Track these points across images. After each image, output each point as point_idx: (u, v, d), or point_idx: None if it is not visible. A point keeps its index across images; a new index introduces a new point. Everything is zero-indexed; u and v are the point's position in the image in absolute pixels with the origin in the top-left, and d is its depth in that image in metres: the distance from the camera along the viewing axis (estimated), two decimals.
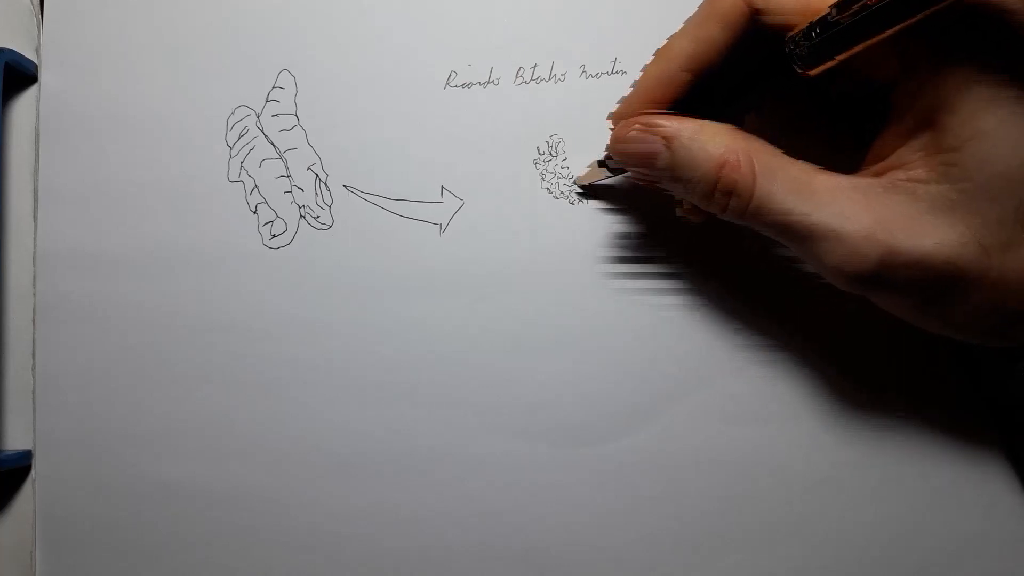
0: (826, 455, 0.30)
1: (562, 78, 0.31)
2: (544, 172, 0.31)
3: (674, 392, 0.30)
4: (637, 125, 0.25)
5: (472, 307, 0.30)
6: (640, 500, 0.30)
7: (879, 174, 0.24)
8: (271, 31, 0.31)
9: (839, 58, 0.22)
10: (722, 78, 0.26)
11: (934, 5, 0.20)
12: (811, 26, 0.22)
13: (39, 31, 0.32)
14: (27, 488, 0.31)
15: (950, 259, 0.22)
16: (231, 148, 0.31)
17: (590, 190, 0.30)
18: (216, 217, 0.31)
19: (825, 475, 0.29)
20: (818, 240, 0.23)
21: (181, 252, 0.31)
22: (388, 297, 0.30)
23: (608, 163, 0.28)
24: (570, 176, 0.31)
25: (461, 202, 0.31)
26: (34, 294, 0.31)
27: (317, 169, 0.31)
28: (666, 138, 0.25)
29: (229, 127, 0.31)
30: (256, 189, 0.31)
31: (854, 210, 0.23)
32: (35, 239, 0.31)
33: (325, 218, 0.31)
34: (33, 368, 0.31)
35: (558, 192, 0.30)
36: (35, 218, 0.31)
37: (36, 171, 0.31)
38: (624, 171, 0.28)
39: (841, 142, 0.26)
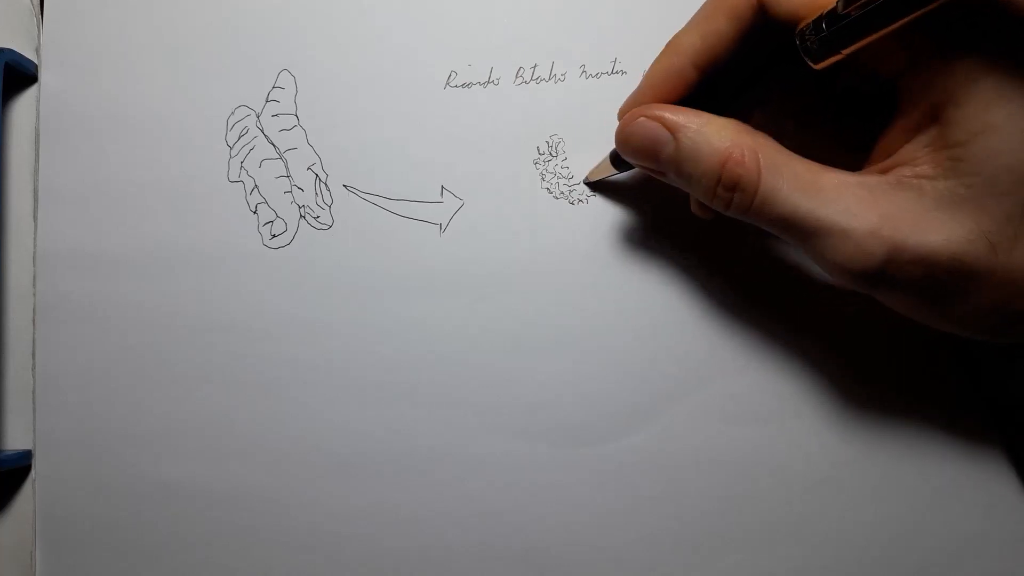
0: (826, 455, 0.30)
1: (562, 78, 0.31)
2: (544, 172, 0.31)
3: (674, 392, 0.30)
4: (644, 115, 0.25)
5: (472, 307, 0.30)
6: (640, 500, 0.30)
7: (885, 171, 0.24)
8: (271, 31, 0.31)
9: (847, 51, 0.22)
10: (729, 74, 0.26)
11: None
12: (820, 19, 0.22)
13: (39, 31, 0.32)
14: (27, 488, 0.31)
15: (957, 255, 0.22)
16: (231, 148, 0.31)
17: (600, 187, 0.30)
18: (216, 217, 0.31)
19: (825, 475, 0.29)
20: (824, 237, 0.23)
21: (181, 252, 0.31)
22: (388, 297, 0.30)
23: (617, 158, 0.28)
24: (570, 176, 0.31)
25: (461, 202, 0.31)
26: (34, 294, 0.31)
27: (317, 169, 0.31)
28: (672, 129, 0.25)
29: (229, 127, 0.31)
30: (256, 189, 0.31)
31: (860, 207, 0.23)
32: (35, 239, 0.31)
33: (325, 218, 0.31)
34: (33, 368, 0.31)
35: (558, 192, 0.30)
36: (35, 218, 0.31)
37: (36, 171, 0.31)
38: (632, 167, 0.28)
39: (847, 138, 0.26)
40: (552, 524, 0.30)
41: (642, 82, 0.27)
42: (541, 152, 0.31)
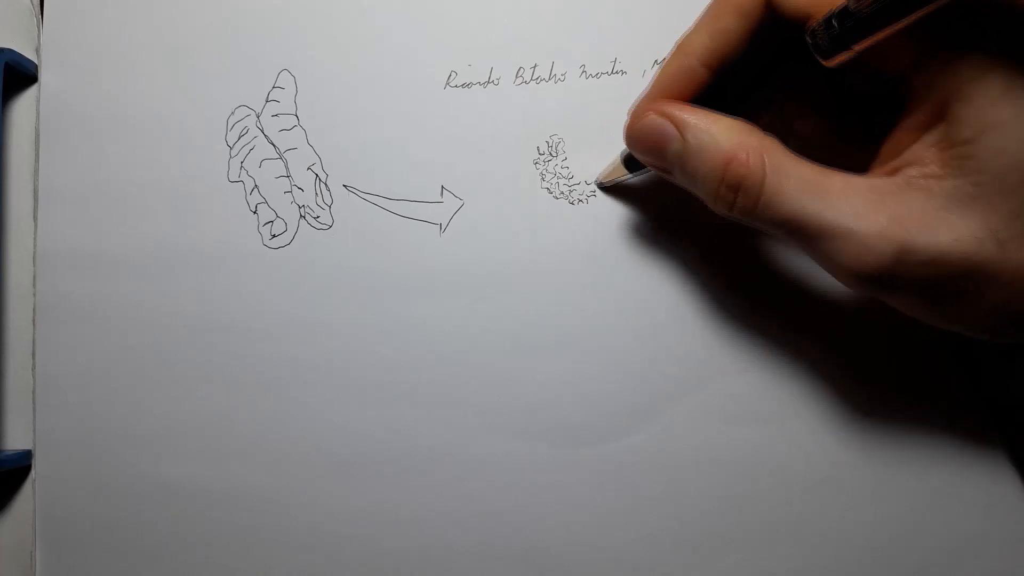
0: (826, 455, 0.30)
1: (562, 78, 0.31)
2: (544, 172, 0.31)
3: (674, 392, 0.30)
4: (653, 111, 0.25)
5: (472, 307, 0.30)
6: (640, 500, 0.30)
7: (892, 172, 0.24)
8: (271, 31, 0.31)
9: (858, 47, 0.22)
10: (738, 74, 0.26)
11: None
12: (830, 16, 0.22)
13: (39, 31, 0.32)
14: (27, 488, 0.31)
15: (966, 255, 0.22)
16: (231, 148, 0.31)
17: (609, 190, 0.30)
18: (216, 217, 0.31)
19: (825, 475, 0.29)
20: (831, 239, 0.23)
21: (181, 252, 0.31)
22: (388, 297, 0.30)
23: (628, 160, 0.28)
24: (570, 176, 0.31)
25: (461, 202, 0.31)
26: (34, 294, 0.31)
27: (317, 169, 0.31)
28: (680, 127, 0.25)
29: (229, 127, 0.31)
30: (256, 189, 0.31)
31: (868, 208, 0.23)
32: (35, 239, 0.31)
33: (325, 218, 0.31)
34: (33, 368, 0.31)
35: (558, 192, 0.30)
36: (35, 218, 0.31)
37: (36, 171, 0.31)
38: (643, 169, 0.28)
39: (854, 138, 0.26)
40: (552, 524, 0.30)
41: (652, 82, 0.27)
42: (541, 152, 0.31)
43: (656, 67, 0.30)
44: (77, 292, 0.31)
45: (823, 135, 0.27)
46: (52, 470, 0.31)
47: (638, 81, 0.30)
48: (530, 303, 0.30)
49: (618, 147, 0.28)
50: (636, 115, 0.26)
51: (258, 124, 0.31)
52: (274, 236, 0.31)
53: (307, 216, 0.31)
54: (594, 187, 0.30)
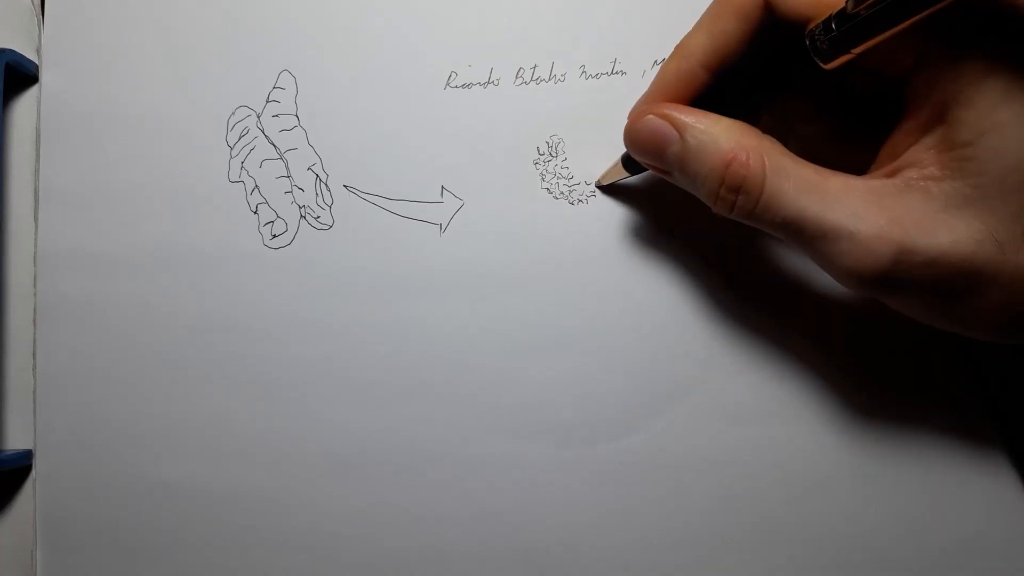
0: (826, 455, 0.30)
1: (562, 78, 0.31)
2: (544, 172, 0.31)
3: (674, 392, 0.30)
4: (652, 113, 0.25)
5: (472, 307, 0.30)
6: (640, 500, 0.30)
7: (892, 173, 0.24)
8: (271, 31, 0.31)
9: (857, 50, 0.22)
10: (737, 76, 0.26)
11: None
12: (830, 19, 0.22)
13: (39, 31, 0.32)
14: (27, 488, 0.31)
15: (965, 256, 0.22)
16: (231, 148, 0.31)
17: (609, 190, 0.30)
18: (216, 217, 0.31)
19: (825, 475, 0.29)
20: (831, 240, 0.23)
21: (181, 252, 0.31)
22: (388, 297, 0.30)
23: (628, 161, 0.28)
24: (570, 176, 0.31)
25: (461, 202, 0.31)
26: (34, 294, 0.31)
27: (317, 169, 0.31)
28: (679, 128, 0.25)
29: (229, 127, 0.31)
30: (256, 189, 0.31)
31: (867, 210, 0.23)
32: (35, 239, 0.31)
33: (325, 218, 0.31)
34: (33, 368, 0.31)
35: (558, 192, 0.30)
36: (35, 218, 0.31)
37: (36, 171, 0.32)
38: (643, 169, 0.28)
39: (854, 140, 0.26)
40: (552, 524, 0.30)
41: (652, 84, 0.27)
42: (541, 152, 0.31)
43: (656, 67, 0.30)
44: (77, 292, 0.31)
45: (823, 136, 0.27)
46: (52, 470, 0.31)
47: (638, 81, 0.30)
48: (530, 303, 0.30)
49: (618, 147, 0.28)
50: (635, 117, 0.26)
51: (258, 124, 0.31)
52: (274, 236, 0.31)
53: (307, 216, 0.31)
54: (594, 187, 0.30)
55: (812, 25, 0.23)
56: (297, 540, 0.30)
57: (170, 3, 0.32)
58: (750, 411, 0.30)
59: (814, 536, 0.29)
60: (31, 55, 0.32)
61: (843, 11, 0.22)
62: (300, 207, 0.31)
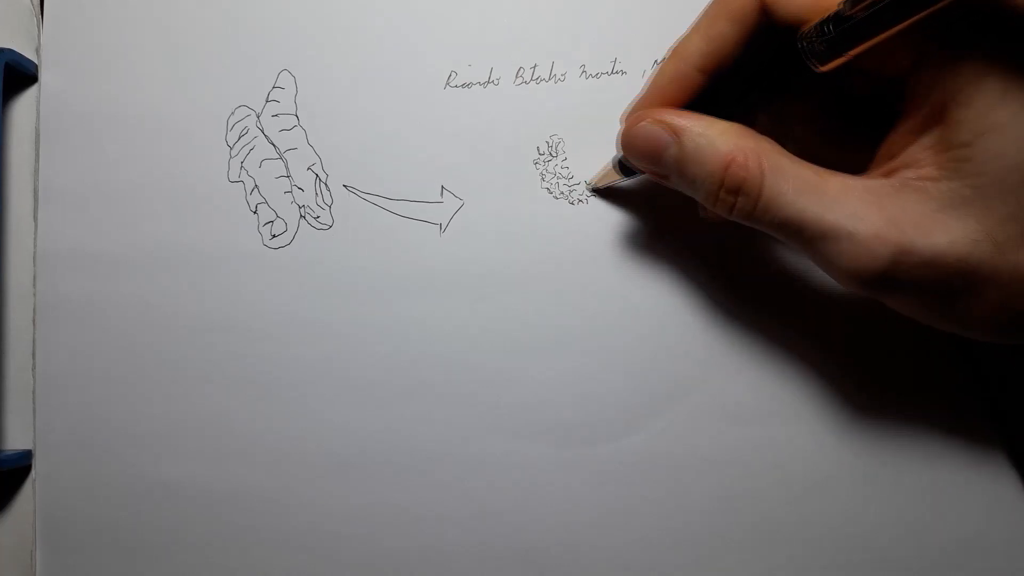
0: (826, 455, 0.30)
1: (562, 78, 0.31)
2: (544, 172, 0.31)
3: (674, 392, 0.30)
4: (648, 118, 0.25)
5: (472, 307, 0.30)
6: (640, 500, 0.30)
7: (889, 174, 0.24)
8: (271, 31, 0.31)
9: (851, 53, 0.22)
10: (733, 78, 0.26)
11: None
12: (824, 21, 0.22)
13: (39, 31, 0.32)
14: (27, 488, 0.31)
15: (963, 257, 0.22)
16: (231, 148, 0.31)
17: (603, 193, 0.30)
18: (216, 217, 0.31)
19: (825, 475, 0.29)
20: (829, 241, 0.23)
21: (181, 252, 0.31)
22: (388, 297, 0.30)
23: (622, 164, 0.28)
24: (570, 176, 0.31)
25: (461, 202, 0.31)
26: (34, 294, 0.31)
27: (317, 169, 0.31)
28: (676, 132, 0.25)
29: (229, 127, 0.31)
30: (256, 189, 0.31)
31: (865, 210, 0.23)
32: (35, 239, 0.31)
33: (325, 218, 0.31)
34: (33, 368, 0.31)
35: (558, 192, 0.30)
36: (35, 218, 0.31)
37: (36, 171, 0.31)
38: (637, 173, 0.28)
39: (852, 141, 0.26)
40: (552, 524, 0.30)
41: (647, 87, 0.27)
42: (541, 152, 0.31)
43: (655, 68, 0.30)
44: (77, 292, 0.31)
45: (820, 137, 0.27)
46: (52, 470, 0.31)
47: (638, 81, 0.30)
48: (530, 303, 0.30)
49: (615, 152, 0.28)
50: (630, 123, 0.26)
51: (258, 124, 0.31)
52: (274, 236, 0.31)
53: (307, 216, 0.31)
54: (599, 193, 0.30)
55: (806, 28, 0.23)
56: (297, 540, 0.30)
57: (170, 3, 0.32)
58: (750, 411, 0.30)
59: (814, 536, 0.29)
60: (31, 55, 0.32)
61: (838, 14, 0.22)
62: (300, 207, 0.31)
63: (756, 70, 0.25)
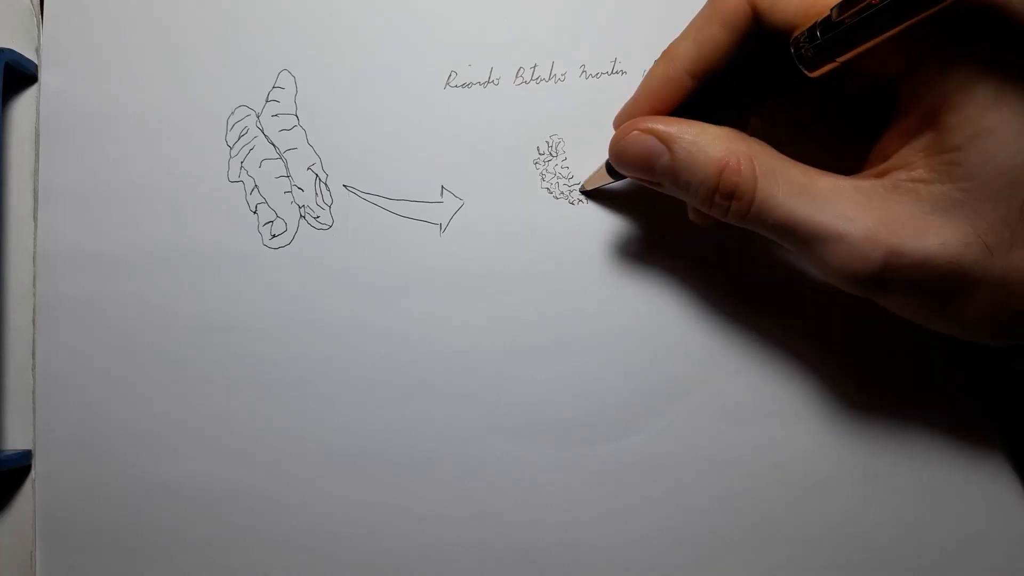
0: (826, 455, 0.30)
1: (562, 78, 0.31)
2: (544, 172, 0.31)
3: (674, 392, 0.30)
4: (637, 128, 0.25)
5: (472, 307, 0.30)
6: (640, 500, 0.30)
7: (881, 175, 0.24)
8: (271, 31, 0.31)
9: (842, 59, 0.22)
10: (725, 81, 0.26)
11: (936, 4, 0.20)
12: (814, 27, 0.22)
13: (39, 31, 0.32)
14: (27, 488, 0.31)
15: (954, 259, 0.22)
16: (231, 148, 0.31)
17: (595, 195, 0.30)
18: (216, 217, 0.31)
19: (825, 475, 0.29)
20: (821, 242, 0.23)
21: (181, 252, 0.31)
22: (388, 297, 0.30)
23: (612, 169, 0.28)
24: (570, 176, 0.31)
25: (461, 202, 0.31)
26: (34, 294, 0.31)
27: (317, 169, 0.31)
28: (666, 141, 0.25)
29: (229, 127, 0.31)
30: (256, 189, 0.31)
31: (857, 211, 0.23)
32: (35, 239, 0.31)
33: (325, 218, 0.31)
34: (33, 368, 0.31)
35: (558, 192, 0.30)
36: (35, 218, 0.31)
37: (36, 171, 0.31)
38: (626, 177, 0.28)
39: (844, 144, 0.26)
40: (552, 524, 0.30)
41: (638, 91, 0.27)
42: (541, 152, 0.31)
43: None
44: (77, 292, 0.31)
45: (812, 139, 0.27)
46: (52, 470, 0.31)
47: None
48: (530, 303, 0.30)
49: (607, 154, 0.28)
50: (620, 133, 0.26)
51: (258, 124, 0.31)
52: (274, 236, 0.31)
53: (307, 216, 0.31)
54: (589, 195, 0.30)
55: (797, 33, 0.23)
56: (297, 540, 0.30)
57: (170, 3, 0.32)
58: (750, 411, 0.30)
59: (814, 536, 0.29)
60: (30, 55, 0.32)
61: (828, 19, 0.22)
62: (300, 207, 0.31)
63: (748, 74, 0.25)
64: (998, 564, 0.29)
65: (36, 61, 0.32)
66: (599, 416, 0.30)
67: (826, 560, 0.29)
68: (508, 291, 0.30)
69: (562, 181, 0.30)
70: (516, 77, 0.31)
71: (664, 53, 0.26)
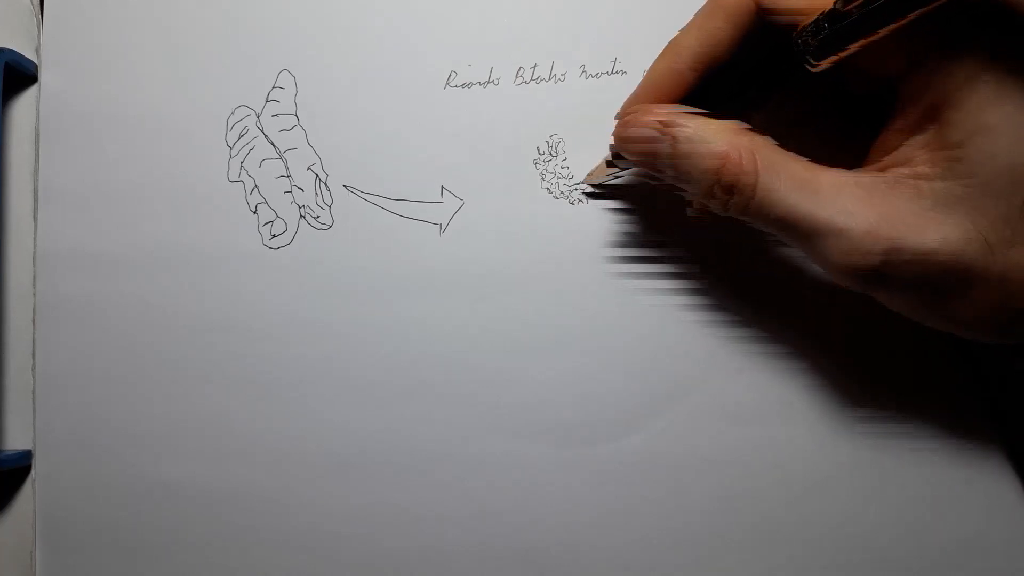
0: (826, 455, 0.30)
1: (562, 78, 0.31)
2: (544, 172, 0.31)
3: (674, 392, 0.30)
4: (642, 116, 0.25)
5: (472, 307, 0.30)
6: (640, 500, 0.30)
7: (883, 171, 0.24)
8: (271, 31, 0.31)
9: (846, 52, 0.22)
10: (728, 74, 0.26)
11: None
12: (819, 19, 0.22)
13: (39, 31, 0.32)
14: (27, 488, 0.31)
15: (954, 255, 0.22)
16: (231, 148, 0.31)
17: (598, 188, 0.30)
18: (216, 217, 0.31)
19: (825, 475, 0.29)
20: (822, 237, 0.23)
21: (181, 252, 0.31)
22: (388, 297, 0.30)
23: (616, 160, 0.28)
24: (570, 176, 0.31)
25: (461, 202, 0.31)
26: (34, 294, 0.31)
27: (317, 169, 0.31)
28: (670, 130, 0.25)
29: (229, 127, 0.31)
30: (256, 189, 0.31)
31: (858, 206, 0.23)
32: (35, 239, 0.31)
33: (325, 218, 0.31)
34: (33, 368, 0.31)
35: (558, 192, 0.30)
36: (35, 218, 0.31)
37: (36, 171, 0.31)
38: (631, 167, 0.28)
39: (846, 139, 0.26)
40: (552, 524, 0.30)
41: (642, 82, 0.27)
42: (541, 152, 0.31)
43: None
44: (77, 292, 0.31)
45: (814, 134, 0.27)
46: (52, 470, 0.31)
47: (638, 81, 0.30)
48: (530, 303, 0.30)
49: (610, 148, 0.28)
50: (624, 121, 0.26)
51: (258, 124, 0.31)
52: (274, 236, 0.31)
53: (307, 216, 0.31)
54: (593, 188, 0.30)
55: (801, 26, 0.23)
56: (297, 540, 0.30)
57: (170, 3, 0.32)
58: (750, 411, 0.30)
59: (814, 536, 0.29)
60: (31, 55, 0.32)
61: (832, 12, 0.22)
62: (300, 207, 0.31)
63: (751, 67, 0.25)
64: (998, 564, 0.29)
65: (36, 61, 0.32)
66: (599, 416, 0.30)
67: (826, 560, 0.29)
68: (508, 291, 0.30)
69: (562, 181, 0.30)
70: (516, 77, 0.31)
71: (668, 46, 0.26)
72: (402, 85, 0.31)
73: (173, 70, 0.31)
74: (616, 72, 0.31)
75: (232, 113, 0.31)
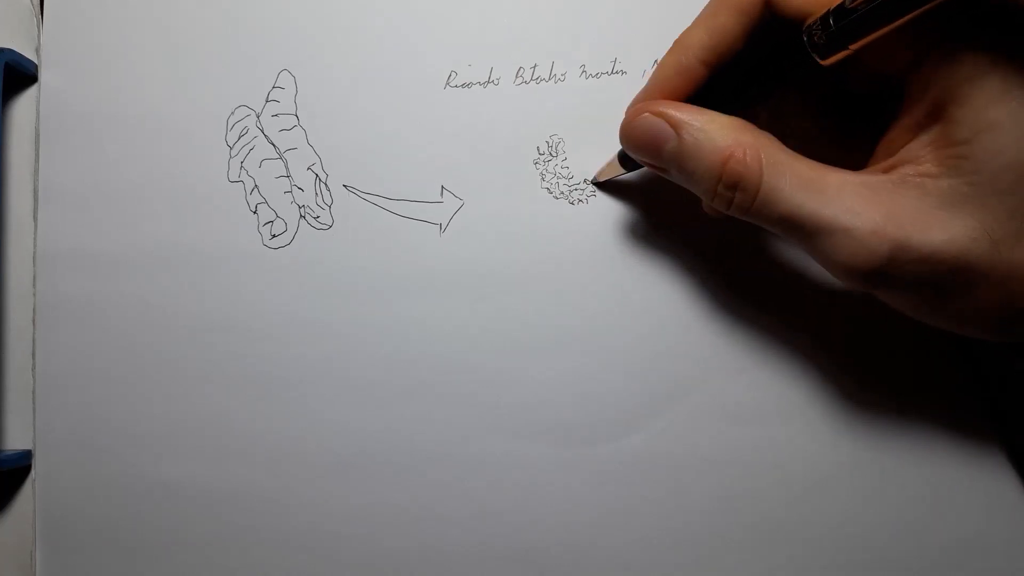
0: (826, 455, 0.30)
1: (562, 78, 0.31)
2: (544, 172, 0.31)
3: (674, 392, 0.30)
4: (648, 111, 0.25)
5: (472, 307, 0.30)
6: (640, 500, 0.30)
7: (888, 170, 0.24)
8: (271, 31, 0.31)
9: (855, 46, 0.22)
10: (735, 72, 0.26)
11: None
12: (827, 14, 0.22)
13: (39, 31, 0.32)
14: (27, 488, 0.31)
15: (960, 254, 0.22)
16: (231, 148, 0.31)
17: (607, 186, 0.30)
18: (216, 217, 0.31)
19: (825, 475, 0.29)
20: (826, 236, 0.23)
21: (181, 252, 0.31)
22: (388, 297, 0.30)
23: (624, 157, 0.28)
24: (570, 176, 0.31)
25: (461, 202, 0.31)
26: (34, 294, 0.31)
27: (317, 169, 0.31)
28: (675, 126, 0.25)
29: (229, 127, 0.31)
30: (256, 189, 0.31)
31: (863, 206, 0.23)
32: (35, 239, 0.31)
33: (325, 218, 0.31)
34: (33, 368, 0.31)
35: (558, 192, 0.30)
36: (35, 218, 0.31)
37: (36, 171, 0.31)
38: (639, 166, 0.28)
39: (852, 137, 0.26)
40: (552, 524, 0.30)
41: (650, 79, 0.27)
42: (541, 152, 0.31)
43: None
44: (77, 292, 0.31)
45: (820, 132, 0.27)
46: (52, 470, 0.31)
47: (638, 81, 0.30)
48: (530, 303, 0.30)
49: (618, 146, 0.28)
50: (631, 115, 0.26)
51: (258, 124, 0.31)
52: (274, 236, 0.31)
53: (307, 216, 0.31)
54: (594, 187, 0.30)
55: (810, 21, 0.23)
56: (297, 540, 0.30)
57: (170, 3, 0.32)
58: (750, 411, 0.30)
59: (814, 536, 0.29)
60: (31, 55, 0.32)
61: (841, 6, 0.22)
62: (300, 207, 0.31)
63: (757, 64, 0.25)
64: (998, 564, 0.29)
65: (36, 61, 0.32)
66: (599, 416, 0.30)
67: (826, 560, 0.29)
68: (508, 291, 0.30)
69: (562, 181, 0.30)
70: (516, 77, 0.31)
71: (676, 42, 0.26)
72: (402, 85, 0.31)
73: (173, 70, 0.31)
74: (616, 72, 0.31)
75: (232, 113, 0.31)
